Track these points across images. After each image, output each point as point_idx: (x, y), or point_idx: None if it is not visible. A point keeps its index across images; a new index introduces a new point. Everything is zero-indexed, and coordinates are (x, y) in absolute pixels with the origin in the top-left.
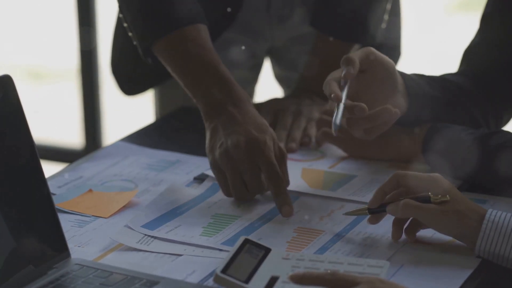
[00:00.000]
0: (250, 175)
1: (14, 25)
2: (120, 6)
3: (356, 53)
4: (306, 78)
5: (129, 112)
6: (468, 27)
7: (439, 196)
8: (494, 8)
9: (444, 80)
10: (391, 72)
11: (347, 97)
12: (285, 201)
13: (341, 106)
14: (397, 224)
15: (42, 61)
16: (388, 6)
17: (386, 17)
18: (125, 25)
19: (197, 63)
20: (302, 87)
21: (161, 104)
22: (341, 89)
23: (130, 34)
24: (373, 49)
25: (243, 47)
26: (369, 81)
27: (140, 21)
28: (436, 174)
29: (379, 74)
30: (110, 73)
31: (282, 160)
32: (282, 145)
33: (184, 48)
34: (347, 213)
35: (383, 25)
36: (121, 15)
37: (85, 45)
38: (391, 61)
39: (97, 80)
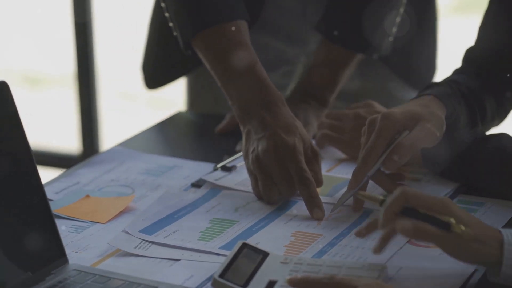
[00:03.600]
0: (280, 179)
1: (10, 30)
2: None
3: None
4: (304, 81)
5: (126, 118)
6: (465, 29)
7: (462, 227)
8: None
9: (464, 87)
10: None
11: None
12: (315, 204)
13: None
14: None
15: (39, 66)
16: (398, 20)
17: (394, 30)
18: (166, 15)
19: (232, 61)
20: (298, 91)
21: (192, 94)
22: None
23: (171, 24)
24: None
25: (276, 52)
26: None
27: (182, 12)
28: (446, 198)
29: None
30: (140, 67)
31: (315, 159)
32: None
33: (220, 45)
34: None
35: (390, 39)
36: (163, 4)
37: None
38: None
39: (94, 85)
